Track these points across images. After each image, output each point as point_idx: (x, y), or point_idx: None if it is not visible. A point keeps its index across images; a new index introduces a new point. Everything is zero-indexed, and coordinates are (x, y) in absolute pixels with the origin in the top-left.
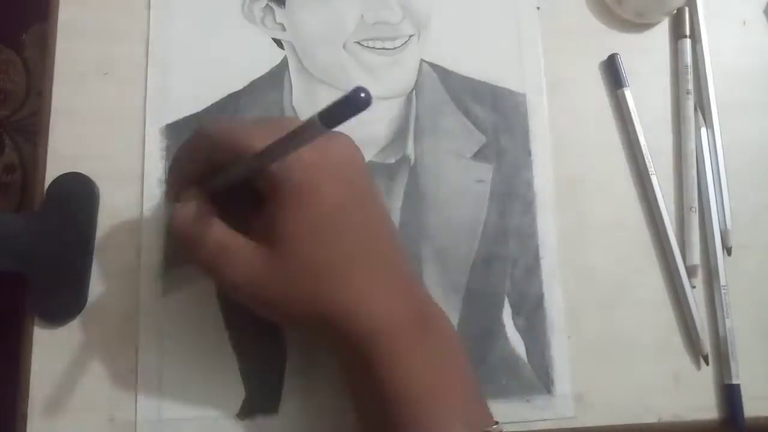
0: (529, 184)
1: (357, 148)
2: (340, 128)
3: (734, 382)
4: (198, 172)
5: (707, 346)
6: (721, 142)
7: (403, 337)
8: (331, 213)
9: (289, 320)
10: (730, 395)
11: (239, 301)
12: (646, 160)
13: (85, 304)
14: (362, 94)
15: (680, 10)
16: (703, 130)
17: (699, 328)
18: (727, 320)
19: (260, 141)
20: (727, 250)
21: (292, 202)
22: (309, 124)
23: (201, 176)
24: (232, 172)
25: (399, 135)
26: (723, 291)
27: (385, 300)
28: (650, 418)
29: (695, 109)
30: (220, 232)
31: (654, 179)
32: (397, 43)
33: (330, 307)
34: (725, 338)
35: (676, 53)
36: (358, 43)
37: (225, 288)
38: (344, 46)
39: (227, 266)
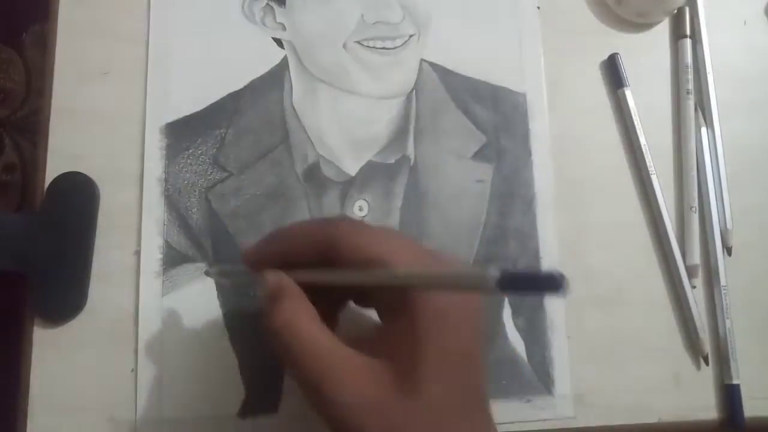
0: (529, 184)
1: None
2: None
3: (734, 382)
4: (296, 252)
5: (707, 346)
6: (721, 142)
7: None
8: (460, 357)
9: None
10: (730, 395)
11: (339, 424)
12: (647, 160)
13: (85, 304)
14: (560, 279)
15: (680, 10)
16: (704, 129)
17: (699, 328)
18: (727, 320)
19: (404, 260)
20: (727, 250)
21: (431, 335)
22: (481, 276)
23: (290, 263)
24: (355, 276)
25: (399, 135)
26: (723, 291)
27: None
28: (650, 418)
29: (695, 108)
30: (329, 340)
31: (654, 179)
32: (398, 42)
33: None
34: (725, 338)
35: (676, 53)
36: (359, 42)
37: (321, 406)
38: (344, 46)
39: (328, 378)
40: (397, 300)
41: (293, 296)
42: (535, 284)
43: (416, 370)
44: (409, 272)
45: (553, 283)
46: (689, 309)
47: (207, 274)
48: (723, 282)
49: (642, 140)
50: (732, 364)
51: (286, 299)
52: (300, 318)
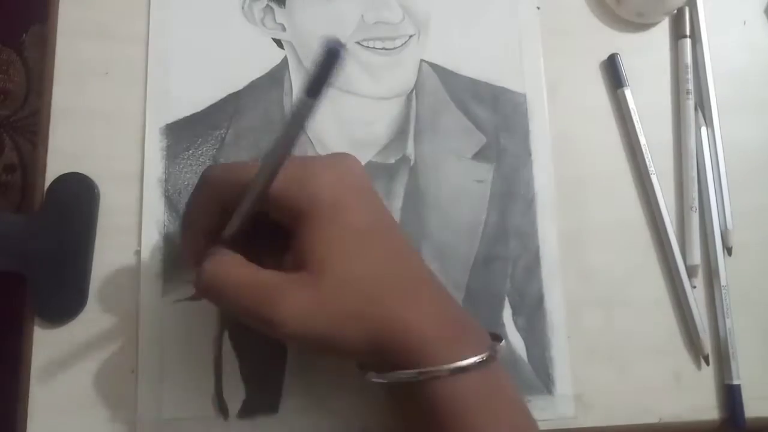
0: (529, 184)
1: (361, 165)
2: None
3: (734, 382)
4: (212, 225)
5: (708, 346)
6: (721, 142)
7: (450, 345)
8: (363, 229)
9: (342, 348)
10: (730, 395)
11: (289, 340)
12: (646, 160)
13: (85, 304)
14: (332, 46)
15: (680, 10)
16: (704, 129)
17: (699, 328)
18: (727, 320)
19: (295, 190)
20: (728, 250)
21: (325, 221)
22: (298, 104)
23: (215, 229)
24: (243, 208)
25: (399, 135)
26: (723, 291)
27: (429, 311)
28: (650, 418)
29: (695, 108)
30: (253, 275)
31: (654, 179)
32: (397, 43)
33: (381, 321)
34: (725, 338)
35: (676, 53)
36: (358, 43)
37: (272, 331)
38: None
39: (270, 306)
40: (288, 213)
41: (213, 254)
42: (324, 68)
43: (316, 269)
44: (261, 165)
45: (333, 54)
46: (689, 309)
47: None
48: (723, 282)
49: (642, 140)
50: (732, 364)
51: (206, 258)
52: (223, 266)
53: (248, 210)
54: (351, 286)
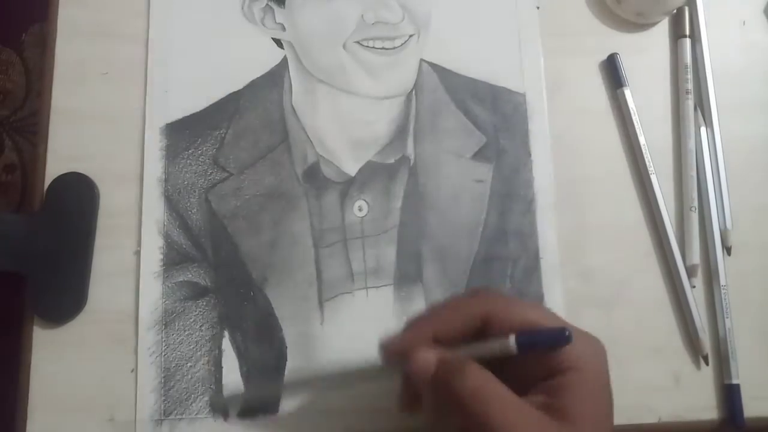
0: (529, 184)
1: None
2: None
3: (734, 382)
4: (451, 332)
5: (707, 346)
6: (720, 142)
7: None
8: (606, 395)
9: None
10: (730, 395)
11: None
12: (646, 160)
13: (85, 304)
14: (566, 333)
15: (680, 10)
16: (703, 129)
17: (699, 328)
18: (727, 320)
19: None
20: (727, 250)
21: (586, 383)
22: (504, 345)
23: (447, 338)
24: (503, 350)
25: (399, 135)
26: (723, 291)
27: None
28: (650, 418)
29: (695, 108)
30: (518, 401)
31: (654, 179)
32: (397, 42)
33: None
34: (725, 338)
35: (675, 53)
36: (358, 42)
37: None
38: (344, 46)
39: (509, 427)
40: (554, 364)
41: (471, 364)
42: (545, 342)
43: (569, 422)
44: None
45: (561, 338)
46: (689, 309)
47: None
48: (723, 282)
49: (641, 140)
50: (732, 363)
51: (467, 367)
52: (490, 380)
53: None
54: None
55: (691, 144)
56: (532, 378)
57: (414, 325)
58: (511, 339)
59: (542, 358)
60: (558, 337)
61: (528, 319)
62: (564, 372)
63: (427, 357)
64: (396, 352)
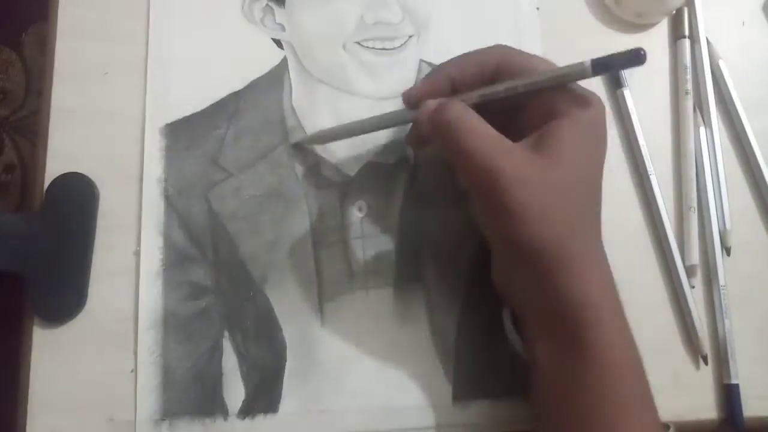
0: None
1: None
2: None
3: (733, 381)
4: (465, 76)
5: (707, 346)
6: (720, 142)
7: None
8: (602, 155)
9: (533, 231)
10: (729, 395)
11: (496, 193)
12: (645, 161)
13: (85, 304)
14: (642, 52)
15: (679, 11)
16: (702, 129)
17: (698, 328)
18: (726, 320)
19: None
20: (726, 250)
21: (581, 130)
22: (579, 66)
23: (462, 83)
24: (513, 84)
25: (399, 135)
26: (722, 291)
27: (604, 266)
28: None
29: (694, 109)
30: (491, 129)
31: (653, 179)
32: (397, 43)
33: (575, 239)
34: (724, 338)
35: (675, 53)
36: (358, 43)
37: (488, 178)
38: (344, 47)
39: (497, 158)
40: (542, 112)
41: (457, 102)
42: (622, 63)
43: (555, 157)
44: (532, 78)
45: (635, 58)
46: (688, 309)
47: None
48: (722, 282)
49: (641, 140)
50: (731, 363)
51: (450, 102)
52: (470, 114)
53: (513, 91)
54: (575, 192)
55: (691, 144)
56: (530, 129)
57: (432, 74)
58: (587, 62)
59: (538, 108)
60: (633, 57)
61: (540, 69)
62: (556, 117)
63: (431, 102)
64: (414, 98)
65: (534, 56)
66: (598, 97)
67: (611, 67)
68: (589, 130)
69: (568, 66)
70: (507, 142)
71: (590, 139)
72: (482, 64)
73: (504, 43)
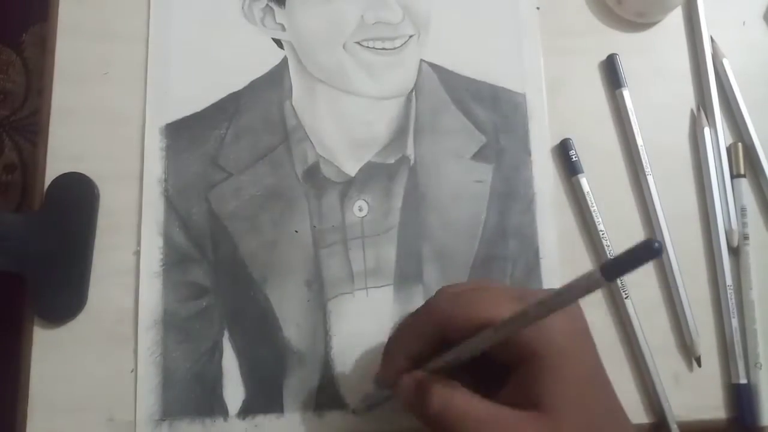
0: (529, 184)
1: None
2: None
3: (741, 381)
4: (422, 351)
5: (699, 348)
6: (723, 142)
7: None
8: (591, 376)
9: None
10: (738, 395)
11: None
12: (643, 161)
13: (85, 304)
14: (655, 245)
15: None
16: (706, 129)
17: (692, 330)
18: (733, 319)
19: (506, 309)
20: (732, 250)
21: (559, 367)
22: (587, 277)
23: (420, 355)
24: (471, 346)
25: (399, 135)
26: (729, 291)
27: None
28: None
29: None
30: (488, 409)
31: (650, 180)
32: (397, 43)
33: None
34: (731, 338)
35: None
36: (358, 43)
37: None
38: (344, 46)
39: None
40: (518, 351)
41: (436, 381)
42: (635, 261)
43: (544, 412)
44: (516, 315)
45: (651, 251)
46: (683, 310)
47: (354, 412)
48: (728, 281)
49: (639, 141)
50: (739, 363)
51: (431, 386)
52: (453, 395)
53: (473, 352)
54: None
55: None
56: (507, 367)
57: (388, 356)
58: (596, 272)
59: (509, 347)
60: (645, 252)
61: (485, 317)
62: (532, 359)
63: (405, 384)
64: (388, 381)
65: (471, 299)
66: (578, 316)
67: (625, 269)
68: (578, 363)
69: (571, 283)
70: (505, 416)
71: (584, 372)
72: (426, 336)
73: (438, 305)
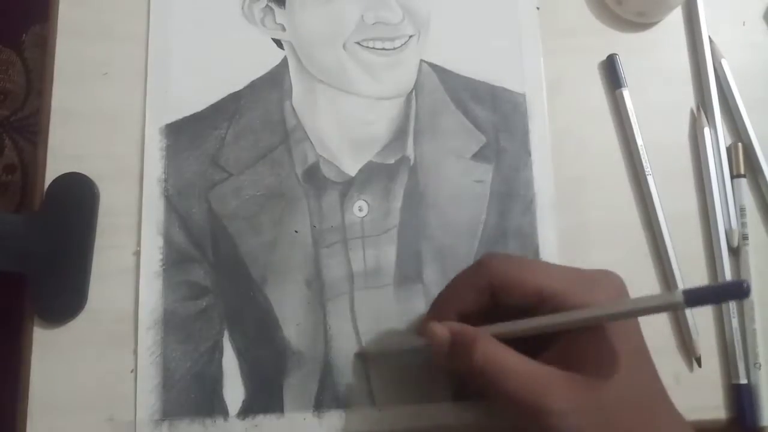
0: (529, 184)
1: (625, 285)
2: None
3: (742, 381)
4: (470, 307)
5: (699, 348)
6: (723, 142)
7: None
8: (636, 353)
9: None
10: (739, 395)
11: (551, 430)
12: (643, 161)
13: (85, 304)
14: (744, 286)
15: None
16: (706, 129)
17: (692, 330)
18: (733, 319)
19: (557, 282)
20: (732, 250)
21: (606, 339)
22: (667, 296)
23: (469, 310)
24: (530, 325)
25: (399, 135)
26: None
27: None
28: None
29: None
30: (526, 363)
31: (650, 180)
32: (397, 43)
33: None
34: (732, 338)
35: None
36: (358, 43)
37: (538, 418)
38: (344, 47)
39: (543, 396)
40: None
41: (480, 335)
42: (720, 297)
43: (599, 375)
44: (607, 308)
45: (740, 292)
46: (682, 312)
47: (359, 355)
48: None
49: (639, 141)
50: (740, 363)
51: (478, 339)
52: (498, 350)
53: (542, 330)
54: (629, 404)
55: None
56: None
57: (436, 310)
58: (678, 294)
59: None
60: (734, 291)
61: (538, 283)
62: (580, 328)
63: (449, 334)
64: (429, 334)
65: (525, 270)
66: (616, 279)
67: (708, 300)
68: (625, 334)
69: (650, 297)
70: (544, 371)
71: (624, 334)
72: (475, 293)
73: (491, 264)
